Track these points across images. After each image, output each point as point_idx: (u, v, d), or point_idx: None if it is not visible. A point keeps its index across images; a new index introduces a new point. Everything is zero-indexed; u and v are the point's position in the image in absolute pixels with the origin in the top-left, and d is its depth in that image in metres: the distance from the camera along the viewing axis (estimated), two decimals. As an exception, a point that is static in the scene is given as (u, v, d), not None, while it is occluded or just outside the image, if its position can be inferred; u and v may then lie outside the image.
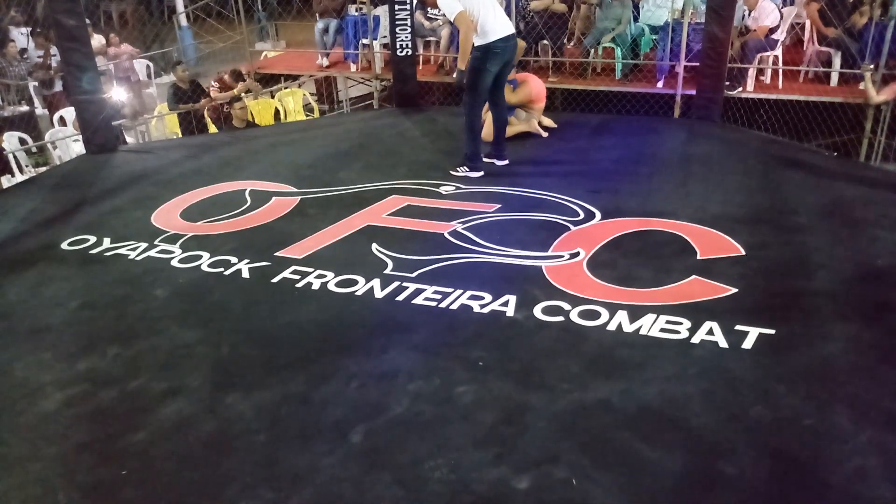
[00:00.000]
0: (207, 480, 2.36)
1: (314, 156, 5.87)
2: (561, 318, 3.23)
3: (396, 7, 6.98)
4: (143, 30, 12.52)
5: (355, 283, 3.61)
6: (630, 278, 3.56)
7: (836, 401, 2.63)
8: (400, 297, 3.46)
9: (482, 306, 3.35)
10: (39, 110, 9.50)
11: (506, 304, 3.36)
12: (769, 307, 3.27)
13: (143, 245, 4.17)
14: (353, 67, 9.43)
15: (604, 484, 2.28)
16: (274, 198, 4.85)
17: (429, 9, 8.05)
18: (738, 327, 3.09)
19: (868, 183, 4.92)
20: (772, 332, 3.06)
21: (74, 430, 2.63)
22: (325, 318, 3.33)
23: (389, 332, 3.18)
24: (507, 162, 5.39)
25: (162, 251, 4.08)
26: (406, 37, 7.11)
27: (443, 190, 4.89)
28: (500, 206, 4.55)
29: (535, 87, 6.13)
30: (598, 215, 4.35)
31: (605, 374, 2.83)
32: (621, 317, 3.21)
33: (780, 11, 7.35)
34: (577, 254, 3.84)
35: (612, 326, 3.15)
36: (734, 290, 3.41)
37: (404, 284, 3.57)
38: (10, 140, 7.22)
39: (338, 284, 3.61)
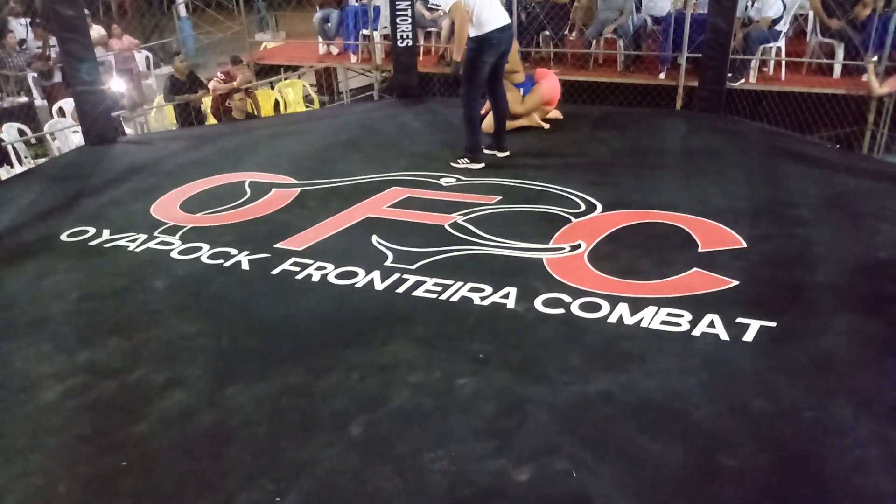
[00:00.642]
0: (207, 472, 2.36)
1: (314, 147, 5.85)
2: (562, 311, 3.22)
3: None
4: (142, 20, 12.46)
5: (355, 274, 3.60)
6: (631, 271, 3.55)
7: (837, 393, 2.63)
8: (400, 289, 3.45)
9: (483, 298, 3.34)
10: (38, 101, 9.46)
11: (506, 296, 3.35)
12: (770, 299, 3.26)
13: (143, 236, 4.16)
14: (353, 58, 9.39)
15: (604, 476, 2.28)
16: (274, 189, 4.84)
17: (429, 1, 8.00)
18: (739, 320, 3.08)
19: (870, 175, 4.90)
20: (773, 324, 3.05)
21: (75, 421, 2.63)
22: (326, 310, 3.32)
23: (390, 323, 3.18)
24: (507, 153, 5.37)
25: (161, 243, 4.08)
26: (407, 27, 7.07)
27: (443, 182, 4.88)
28: (500, 197, 4.54)
29: (548, 89, 6.05)
30: (600, 207, 4.33)
31: (605, 366, 2.83)
32: (622, 309, 3.20)
33: (783, 2, 7.31)
34: (578, 246, 3.83)
35: (612, 319, 3.14)
36: (735, 283, 3.40)
37: (404, 276, 3.56)
38: (9, 131, 7.20)
39: (338, 276, 3.60)
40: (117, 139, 6.34)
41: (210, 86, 8.14)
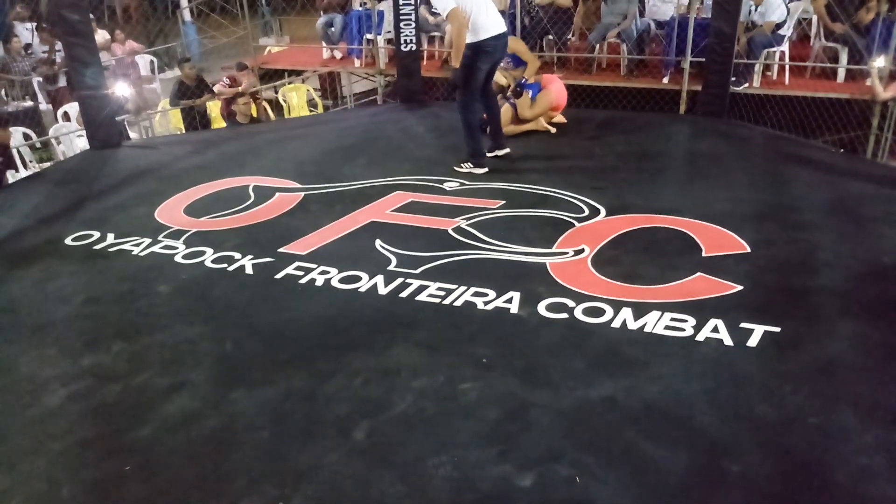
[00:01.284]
0: (211, 476, 2.36)
1: (318, 151, 5.86)
2: (565, 316, 3.22)
3: (401, 2, 6.96)
4: (147, 25, 12.51)
5: (359, 279, 3.61)
6: (635, 275, 3.55)
7: (842, 399, 2.62)
8: (404, 294, 3.45)
9: (486, 303, 3.34)
10: (43, 105, 9.50)
11: (510, 300, 3.35)
12: (775, 305, 3.25)
13: (147, 241, 4.17)
14: (357, 63, 9.41)
15: (608, 482, 2.27)
16: (277, 193, 4.84)
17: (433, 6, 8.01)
18: (743, 325, 3.08)
19: (875, 180, 4.89)
20: (777, 329, 3.04)
21: (79, 425, 2.63)
22: (329, 314, 3.32)
23: (393, 328, 3.18)
24: (507, 150, 5.41)
25: (166, 247, 4.08)
26: (410, 32, 7.09)
27: (447, 186, 4.88)
28: (504, 202, 4.54)
29: (556, 94, 6.08)
30: (603, 212, 4.33)
31: (609, 371, 2.82)
32: (626, 314, 3.20)
33: (786, 7, 7.31)
34: (582, 250, 3.83)
35: (616, 324, 3.14)
36: (739, 288, 3.40)
37: (408, 281, 3.56)
38: (15, 135, 7.22)
39: (341, 281, 3.60)
40: (122, 143, 6.35)
41: (215, 90, 8.16)
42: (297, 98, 9.00)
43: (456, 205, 4.52)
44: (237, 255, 3.92)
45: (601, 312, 3.23)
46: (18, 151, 6.94)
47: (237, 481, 2.33)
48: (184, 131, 8.00)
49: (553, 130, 6.09)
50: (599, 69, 8.27)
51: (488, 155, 5.28)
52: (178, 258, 3.94)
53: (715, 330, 3.05)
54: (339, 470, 2.36)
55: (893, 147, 6.43)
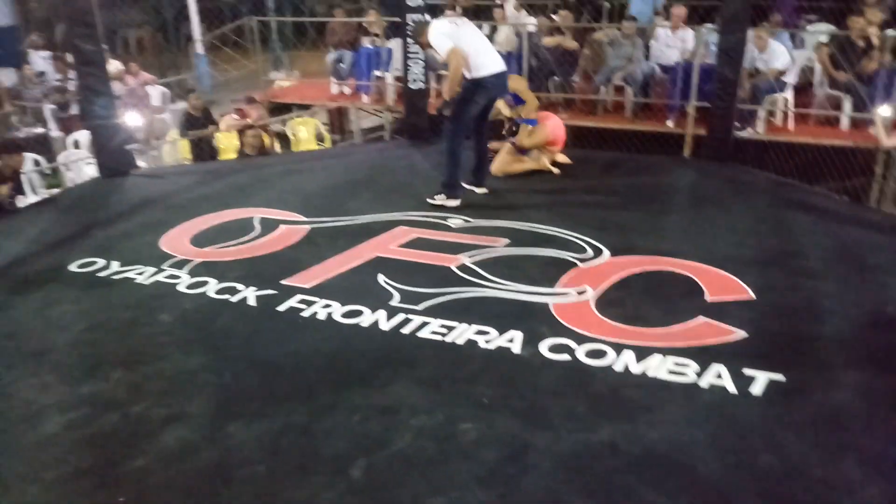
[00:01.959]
0: (205, 511, 2.33)
1: (324, 185, 5.89)
2: (567, 357, 3.20)
3: (409, 40, 7.06)
4: (160, 56, 12.70)
5: (361, 313, 3.60)
6: (637, 318, 3.54)
7: (846, 450, 2.59)
8: (405, 330, 3.44)
9: (488, 342, 3.33)
10: (55, 132, 9.60)
11: (512, 340, 3.34)
12: (778, 352, 3.24)
13: (151, 269, 4.18)
14: (365, 99, 9.52)
15: (608, 528, 2.24)
16: (283, 226, 4.86)
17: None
18: (746, 371, 3.05)
19: (879, 228, 4.90)
20: (781, 377, 3.02)
21: (74, 454, 2.61)
22: (330, 348, 3.31)
23: (394, 364, 3.16)
24: (486, 190, 5.49)
25: (169, 276, 4.09)
26: (419, 70, 7.18)
27: (451, 223, 4.90)
28: (508, 240, 4.55)
29: (552, 128, 6.15)
30: (607, 253, 4.34)
31: (610, 415, 2.80)
32: (628, 357, 3.18)
33: (790, 54, 7.40)
34: (585, 291, 3.82)
35: (618, 367, 3.12)
36: (743, 334, 3.38)
37: (410, 317, 3.55)
38: (25, 161, 7.29)
39: (343, 315, 3.60)
40: (130, 172, 6.40)
41: (223, 122, 8.26)
42: (305, 132, 9.08)
43: (460, 242, 4.54)
44: (240, 287, 3.93)
45: (603, 354, 3.21)
46: (28, 177, 7.00)
47: (232, 517, 2.30)
48: (192, 161, 8.07)
49: (557, 172, 6.12)
50: (604, 111, 8.35)
51: (466, 187, 5.40)
52: (181, 287, 3.94)
53: (718, 376, 3.03)
54: (335, 508, 2.33)
55: (897, 195, 6.46)
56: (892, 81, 6.63)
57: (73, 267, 4.25)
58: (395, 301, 3.73)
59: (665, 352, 3.21)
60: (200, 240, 4.65)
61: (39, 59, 11.02)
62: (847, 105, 7.28)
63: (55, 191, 6.98)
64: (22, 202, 6.23)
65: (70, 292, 3.93)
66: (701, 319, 3.51)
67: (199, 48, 13.28)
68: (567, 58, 8.26)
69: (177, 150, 8.47)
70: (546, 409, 2.84)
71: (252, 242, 4.60)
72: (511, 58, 8.44)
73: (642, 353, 3.21)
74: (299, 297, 3.80)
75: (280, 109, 9.86)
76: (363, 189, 5.74)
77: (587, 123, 8.06)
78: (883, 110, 6.36)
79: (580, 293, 3.80)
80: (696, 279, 3.97)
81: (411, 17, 6.86)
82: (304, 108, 9.84)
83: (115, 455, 2.60)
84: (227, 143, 8.23)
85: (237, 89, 11.22)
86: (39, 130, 9.40)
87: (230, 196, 5.60)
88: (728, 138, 6.45)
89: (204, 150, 7.95)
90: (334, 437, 2.68)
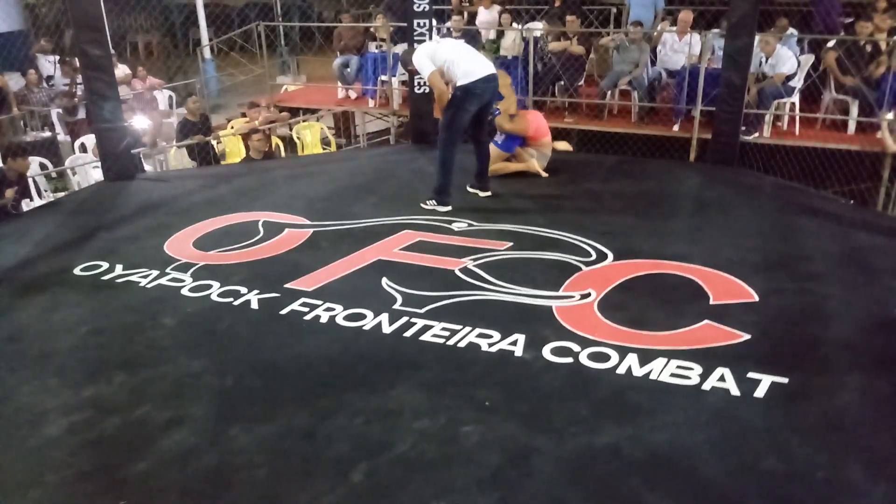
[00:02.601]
0: (206, 514, 2.33)
1: (329, 189, 5.90)
2: (570, 360, 3.19)
3: (415, 45, 7.07)
4: (167, 61, 12.77)
5: (364, 317, 3.60)
6: (641, 321, 3.52)
7: (851, 453, 2.57)
8: (408, 333, 3.44)
9: (491, 345, 3.32)
10: (62, 136, 9.66)
11: (515, 343, 3.33)
12: (783, 355, 3.22)
13: (155, 273, 4.18)
14: (371, 103, 9.54)
15: (609, 533, 2.22)
16: (287, 229, 4.87)
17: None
18: (750, 375, 3.04)
19: (884, 232, 4.87)
20: (785, 380, 3.00)
21: (77, 457, 2.61)
22: (332, 351, 3.31)
23: (396, 368, 3.16)
24: (489, 193, 5.51)
25: (173, 279, 4.10)
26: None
27: (455, 226, 4.89)
28: (511, 243, 4.54)
29: (532, 120, 6.10)
30: (611, 256, 4.32)
31: (613, 418, 2.78)
32: (631, 360, 3.17)
33: (797, 59, 7.39)
34: (589, 294, 3.81)
35: (621, 370, 3.11)
36: (747, 337, 3.36)
37: (413, 320, 3.55)
38: (31, 165, 7.33)
39: (346, 318, 3.60)
40: (136, 176, 6.43)
41: (230, 126, 8.30)
42: (310, 136, 9.11)
43: (464, 245, 4.53)
44: (243, 290, 3.93)
45: (607, 358, 3.20)
46: (34, 180, 7.04)
47: (232, 520, 2.30)
48: (195, 166, 8.09)
49: (545, 175, 6.08)
50: (610, 115, 8.35)
51: (470, 190, 5.50)
52: (184, 291, 3.95)
53: (721, 379, 3.01)
54: (335, 511, 2.33)
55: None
56: (899, 85, 6.61)
57: (77, 270, 4.26)
58: (398, 304, 3.73)
59: (669, 355, 3.20)
60: (204, 243, 4.66)
61: (47, 64, 11.10)
62: (854, 109, 7.26)
63: (61, 194, 7.02)
64: (29, 206, 6.27)
65: (74, 296, 3.94)
66: (705, 323, 3.49)
67: (207, 53, 13.35)
68: (573, 63, 8.26)
69: (183, 154, 8.50)
70: (549, 412, 2.83)
71: (256, 246, 4.60)
72: (517, 63, 8.46)
73: (646, 356, 3.20)
74: (302, 300, 3.80)
75: (286, 113, 9.89)
76: (368, 193, 5.74)
77: (593, 127, 8.06)
78: (891, 115, 6.33)
79: (584, 296, 3.79)
80: (700, 283, 3.95)
81: (417, 22, 6.88)
82: (311, 112, 9.87)
83: (118, 458, 2.60)
84: (232, 147, 8.27)
85: (244, 94, 11.28)
86: (47, 134, 9.46)
87: (235, 200, 5.61)
88: (734, 142, 6.42)
89: (207, 156, 7.96)
90: (336, 441, 2.67)
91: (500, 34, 9.15)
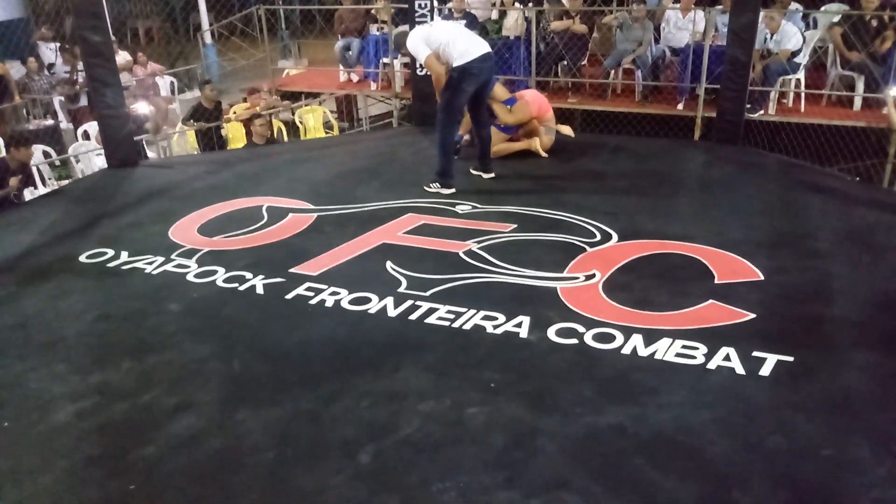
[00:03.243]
0: (215, 498, 2.35)
1: (332, 173, 5.89)
2: (575, 341, 3.20)
3: (417, 27, 7.02)
4: (168, 47, 12.71)
5: (369, 300, 3.60)
6: (646, 301, 3.52)
7: (856, 431, 2.57)
8: (413, 316, 3.44)
9: (495, 327, 3.32)
10: (64, 124, 9.65)
11: (519, 325, 3.33)
12: (788, 334, 3.21)
13: (160, 259, 4.19)
14: (373, 86, 9.50)
15: (615, 511, 2.23)
16: (291, 214, 4.87)
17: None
18: (755, 354, 3.04)
19: (891, 209, 4.85)
20: (790, 359, 3.00)
21: (85, 443, 2.64)
22: (338, 335, 3.32)
23: (401, 351, 3.17)
24: (493, 175, 5.48)
25: (178, 266, 4.11)
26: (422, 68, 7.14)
27: (459, 209, 4.89)
28: (515, 225, 4.53)
29: (532, 102, 6.05)
30: (615, 237, 4.31)
31: (618, 398, 2.79)
32: (636, 340, 3.17)
33: (802, 35, 7.31)
34: (593, 276, 3.81)
35: (626, 350, 3.11)
36: (752, 316, 3.36)
37: (418, 303, 3.55)
38: (35, 153, 7.34)
39: (351, 302, 3.60)
40: (139, 163, 6.43)
41: (231, 111, 8.28)
42: (313, 120, 9.08)
43: (468, 228, 4.53)
44: (248, 275, 3.94)
45: (611, 338, 3.20)
46: (38, 169, 7.04)
47: (240, 503, 2.31)
48: (199, 152, 8.09)
49: (545, 155, 6.05)
50: (614, 95, 8.29)
51: (473, 173, 5.48)
52: (189, 277, 3.96)
53: (727, 358, 3.02)
54: (343, 493, 2.34)
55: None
56: (905, 60, 6.54)
57: (82, 258, 4.28)
58: (403, 288, 3.73)
59: (674, 335, 3.20)
60: (209, 229, 4.66)
61: (48, 52, 11.07)
62: (860, 85, 7.19)
63: (65, 182, 7.02)
64: (33, 194, 6.28)
65: (80, 283, 3.96)
66: (710, 302, 3.49)
67: (208, 38, 13.29)
68: (576, 42, 8.19)
69: (186, 140, 8.49)
70: (554, 393, 2.84)
71: (260, 231, 4.60)
72: (519, 43, 8.40)
73: (651, 336, 3.20)
74: (307, 284, 3.80)
75: (288, 98, 9.86)
76: (371, 176, 5.73)
77: (596, 107, 8.01)
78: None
79: (588, 278, 3.79)
80: (705, 262, 3.94)
81: (418, 3, 6.83)
82: (313, 96, 9.83)
83: (126, 443, 2.62)
84: (235, 132, 8.25)
85: (246, 78, 11.23)
86: (49, 122, 9.45)
87: (238, 185, 5.61)
88: (739, 120, 6.38)
89: (212, 141, 7.95)
90: (343, 424, 2.69)
91: (503, 14, 9.07)
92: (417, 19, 6.92)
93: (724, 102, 6.40)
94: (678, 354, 3.06)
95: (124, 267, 4.13)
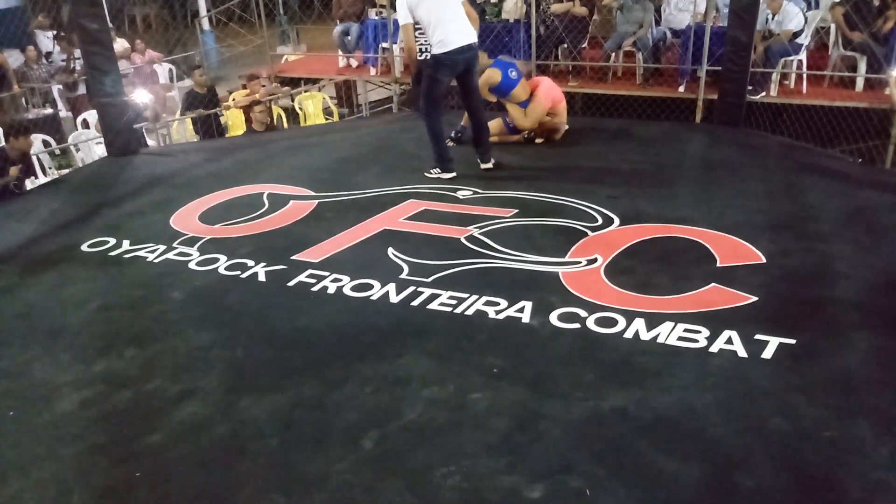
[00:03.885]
0: (220, 484, 2.36)
1: (332, 159, 5.88)
2: (577, 325, 3.20)
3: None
4: (166, 34, 12.65)
5: (371, 287, 3.61)
6: (648, 285, 3.52)
7: (858, 413, 2.58)
8: (415, 302, 3.45)
9: (498, 312, 3.33)
10: (63, 113, 9.62)
11: (521, 310, 3.33)
12: (790, 316, 3.21)
13: (162, 247, 4.20)
14: (372, 71, 9.45)
15: (618, 495, 2.25)
16: (291, 201, 4.86)
17: None
18: (757, 336, 3.04)
19: (893, 190, 4.83)
20: (792, 341, 3.00)
21: (90, 431, 2.65)
22: (340, 322, 3.33)
23: (404, 337, 3.17)
24: (491, 164, 5.41)
25: (180, 254, 4.11)
26: (425, 41, 7.07)
27: (460, 194, 4.88)
28: (517, 210, 4.53)
29: (544, 96, 5.96)
30: (617, 221, 4.31)
31: (621, 382, 2.80)
32: (638, 324, 3.17)
33: (804, 15, 7.26)
34: (595, 260, 3.81)
35: (629, 334, 3.11)
36: (754, 299, 3.36)
37: (420, 289, 3.56)
38: (34, 142, 7.32)
39: (353, 288, 3.61)
40: (139, 151, 6.41)
41: (231, 98, 8.25)
42: (312, 106, 9.05)
43: (469, 213, 4.52)
44: (250, 263, 3.94)
45: (614, 322, 3.20)
46: (38, 158, 7.03)
47: (246, 489, 2.33)
48: (196, 140, 8.07)
49: (539, 140, 6.03)
50: (615, 78, 8.24)
51: (483, 167, 5.39)
52: (192, 265, 3.96)
53: (729, 341, 3.02)
54: (347, 479, 2.36)
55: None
56: (908, 40, 6.49)
57: (84, 247, 4.28)
58: (405, 274, 3.73)
59: (676, 318, 3.20)
60: (210, 217, 4.66)
61: (46, 40, 11.01)
62: (862, 66, 7.15)
63: (65, 171, 7.01)
64: (34, 184, 6.27)
65: (82, 272, 3.96)
66: (712, 285, 3.49)
67: (206, 24, 13.21)
68: (576, 24, 8.14)
69: (185, 127, 8.47)
70: (556, 377, 2.85)
71: (261, 218, 4.60)
72: (519, 25, 8.35)
73: (653, 320, 3.20)
74: (309, 271, 3.81)
75: (287, 84, 9.82)
76: (371, 162, 5.72)
77: (597, 91, 7.97)
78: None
79: (590, 262, 3.79)
80: (707, 245, 3.94)
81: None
82: (312, 81, 9.79)
83: (131, 431, 2.64)
84: (234, 119, 8.23)
85: (245, 65, 11.18)
86: (48, 111, 9.42)
87: (239, 173, 5.61)
88: (741, 103, 6.36)
89: (211, 128, 7.93)
90: (346, 410, 2.70)
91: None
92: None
93: (726, 84, 6.37)
94: (680, 338, 3.06)
95: (126, 255, 4.14)
